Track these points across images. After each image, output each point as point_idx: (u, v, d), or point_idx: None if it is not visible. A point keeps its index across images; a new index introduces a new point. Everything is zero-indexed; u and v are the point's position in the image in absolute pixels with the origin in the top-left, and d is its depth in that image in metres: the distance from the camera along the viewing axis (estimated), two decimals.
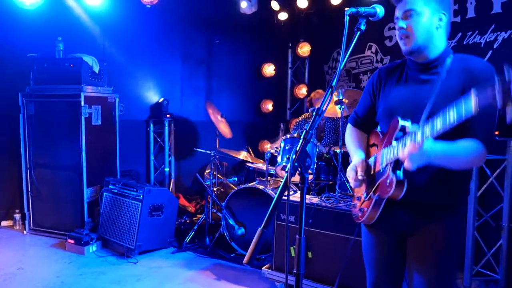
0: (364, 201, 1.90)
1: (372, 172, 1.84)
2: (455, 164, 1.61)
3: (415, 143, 1.47)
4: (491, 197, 3.46)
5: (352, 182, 1.88)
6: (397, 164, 1.65)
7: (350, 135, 2.09)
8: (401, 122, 1.66)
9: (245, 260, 1.30)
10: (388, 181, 1.67)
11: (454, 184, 1.73)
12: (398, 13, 1.74)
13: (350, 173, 1.88)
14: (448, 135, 1.51)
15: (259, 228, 1.29)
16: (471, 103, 1.29)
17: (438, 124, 1.41)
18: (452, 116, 1.36)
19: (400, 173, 1.64)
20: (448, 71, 1.68)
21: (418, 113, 1.65)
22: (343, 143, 4.33)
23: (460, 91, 1.62)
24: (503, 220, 3.31)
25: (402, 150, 1.54)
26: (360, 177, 1.82)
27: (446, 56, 1.72)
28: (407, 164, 1.51)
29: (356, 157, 1.91)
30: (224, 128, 4.92)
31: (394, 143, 1.67)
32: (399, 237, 1.86)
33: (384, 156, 1.73)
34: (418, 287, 1.76)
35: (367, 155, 1.95)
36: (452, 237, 1.75)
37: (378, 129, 1.98)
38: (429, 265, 1.75)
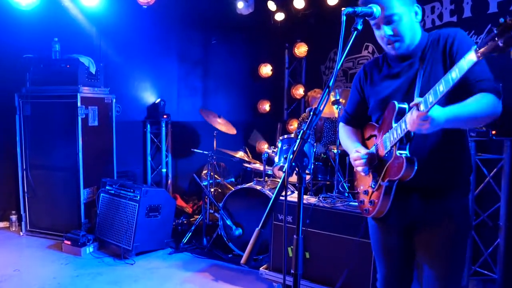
0: (373, 192, 1.88)
1: (376, 161, 1.84)
2: (471, 121, 1.61)
3: (420, 112, 1.46)
4: (488, 196, 3.46)
5: (360, 168, 1.88)
6: (402, 143, 1.66)
7: (345, 133, 2.13)
8: (399, 105, 1.69)
9: (243, 260, 1.29)
10: (397, 162, 1.67)
11: (455, 160, 1.76)
12: (376, 20, 1.73)
13: (355, 156, 1.87)
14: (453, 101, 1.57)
15: (257, 228, 1.29)
16: (472, 55, 1.31)
17: (440, 87, 1.42)
18: (454, 73, 1.37)
19: (407, 151, 1.64)
20: (424, 53, 1.75)
21: (410, 97, 1.71)
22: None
23: (442, 64, 1.70)
24: (500, 220, 3.31)
25: (409, 120, 1.53)
26: (366, 155, 1.83)
27: (423, 43, 1.78)
28: (417, 128, 1.51)
29: (355, 146, 1.95)
30: (225, 128, 4.92)
31: (394, 125, 1.69)
32: (408, 229, 1.87)
33: (387, 140, 1.74)
34: (428, 280, 1.80)
35: (366, 148, 1.96)
36: (461, 227, 1.78)
37: (373, 121, 1.99)
38: (438, 259, 1.78)
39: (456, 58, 1.65)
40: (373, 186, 1.87)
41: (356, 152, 1.88)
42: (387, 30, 1.72)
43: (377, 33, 1.79)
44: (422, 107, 1.47)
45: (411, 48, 1.77)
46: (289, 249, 2.97)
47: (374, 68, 1.96)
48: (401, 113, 1.67)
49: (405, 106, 1.69)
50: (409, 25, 1.73)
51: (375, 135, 1.92)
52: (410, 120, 1.52)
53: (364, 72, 1.99)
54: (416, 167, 1.62)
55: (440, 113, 1.47)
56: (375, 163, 1.84)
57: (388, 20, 1.71)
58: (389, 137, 1.73)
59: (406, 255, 1.92)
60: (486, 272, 3.46)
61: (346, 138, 2.10)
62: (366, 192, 1.96)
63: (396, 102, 1.71)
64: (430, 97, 1.44)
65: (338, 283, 2.88)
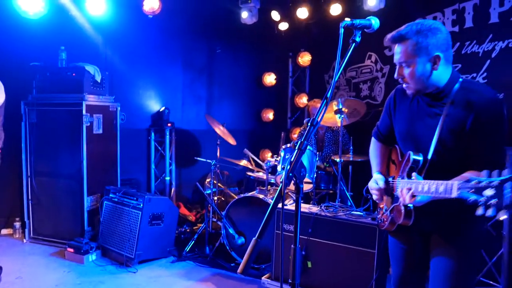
0: (383, 213, 2.03)
1: (391, 192, 1.95)
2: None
3: (408, 194, 1.68)
4: None
5: (374, 196, 2.02)
6: None
7: (373, 149, 2.19)
8: (413, 157, 1.78)
9: (239, 270, 1.31)
10: (398, 209, 1.82)
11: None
12: (395, 59, 1.80)
13: (372, 186, 2.00)
14: (453, 164, 1.69)
15: (254, 238, 1.30)
16: (452, 194, 1.45)
17: (432, 188, 1.57)
18: (440, 192, 1.52)
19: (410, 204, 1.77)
20: (452, 103, 1.73)
21: (427, 144, 1.77)
22: (343, 153, 4.35)
23: (462, 127, 1.69)
24: (504, 229, 3.29)
25: (401, 194, 1.73)
26: (382, 186, 1.95)
27: (452, 85, 1.75)
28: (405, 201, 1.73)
29: (376, 174, 2.04)
30: (226, 137, 4.94)
31: (405, 179, 1.80)
32: (423, 236, 1.94)
33: (398, 186, 1.84)
34: (436, 275, 1.85)
35: (388, 169, 2.07)
36: (474, 237, 1.84)
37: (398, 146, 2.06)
38: (449, 256, 1.82)
39: (473, 134, 1.67)
40: (384, 210, 2.02)
41: (375, 183, 1.99)
42: (396, 72, 1.79)
43: None
44: (413, 189, 1.66)
45: (435, 89, 1.76)
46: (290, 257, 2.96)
47: (403, 97, 1.95)
48: (414, 165, 1.76)
49: (419, 158, 1.76)
50: (419, 75, 1.72)
51: (396, 165, 2.01)
52: (400, 194, 1.73)
53: (394, 96, 2.01)
54: (412, 220, 1.77)
55: (423, 199, 1.66)
56: (389, 193, 1.97)
57: (400, 65, 1.76)
58: (398, 185, 1.83)
59: (420, 258, 1.98)
60: (490, 282, 3.44)
61: (373, 155, 2.17)
62: (380, 209, 2.09)
63: (411, 154, 1.78)
64: (419, 187, 1.63)
65: None
